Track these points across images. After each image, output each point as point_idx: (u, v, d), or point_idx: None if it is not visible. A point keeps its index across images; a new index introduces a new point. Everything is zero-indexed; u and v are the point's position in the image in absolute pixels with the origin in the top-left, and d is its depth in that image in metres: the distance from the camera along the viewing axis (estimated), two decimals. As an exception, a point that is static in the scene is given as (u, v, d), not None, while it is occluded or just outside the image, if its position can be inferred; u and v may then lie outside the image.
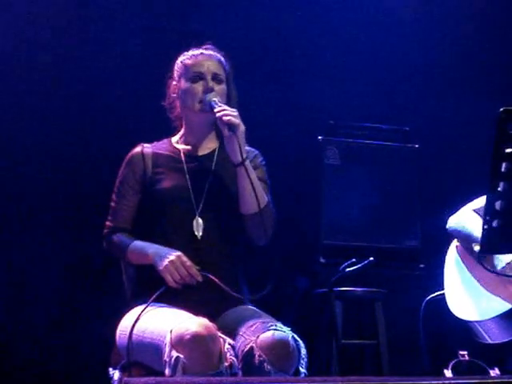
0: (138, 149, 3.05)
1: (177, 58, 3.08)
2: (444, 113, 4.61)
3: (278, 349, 2.58)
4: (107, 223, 3.00)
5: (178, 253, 2.79)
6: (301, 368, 2.65)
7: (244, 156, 2.85)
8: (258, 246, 2.97)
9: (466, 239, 3.05)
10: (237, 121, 2.84)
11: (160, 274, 2.78)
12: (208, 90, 2.95)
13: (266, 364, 2.56)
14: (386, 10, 4.60)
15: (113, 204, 3.01)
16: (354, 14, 4.58)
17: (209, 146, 3.06)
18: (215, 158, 3.03)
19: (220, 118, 2.85)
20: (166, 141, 3.11)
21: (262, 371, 2.56)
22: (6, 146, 4.03)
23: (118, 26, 4.21)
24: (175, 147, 3.06)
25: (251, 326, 2.68)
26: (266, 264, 2.73)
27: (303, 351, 2.68)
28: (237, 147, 2.84)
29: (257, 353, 2.58)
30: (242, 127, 2.86)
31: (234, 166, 2.89)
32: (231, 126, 2.83)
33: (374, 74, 4.56)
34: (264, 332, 2.62)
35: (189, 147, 3.05)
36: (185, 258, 2.78)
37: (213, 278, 2.78)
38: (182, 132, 3.09)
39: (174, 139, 3.10)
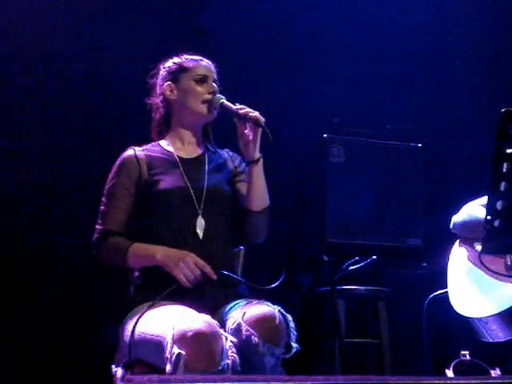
0: (130, 152, 3.05)
1: (172, 58, 3.10)
2: (447, 112, 4.60)
3: (264, 321, 2.61)
4: (98, 227, 2.96)
5: (189, 253, 2.81)
6: (292, 343, 2.67)
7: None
8: (255, 243, 2.99)
9: (474, 229, 3.02)
10: (262, 118, 2.90)
11: (172, 274, 2.79)
12: (215, 92, 3.02)
13: (253, 337, 2.58)
14: (390, 9, 4.60)
15: (104, 207, 2.98)
16: (358, 13, 4.57)
17: (197, 150, 3.10)
18: (206, 159, 3.07)
19: (245, 114, 2.90)
20: (155, 144, 3.12)
21: (250, 345, 2.58)
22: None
23: (118, 26, 4.21)
24: (167, 150, 3.07)
25: (239, 307, 2.73)
26: (269, 260, 2.74)
27: (291, 324, 2.70)
28: (258, 143, 2.91)
29: (244, 328, 2.60)
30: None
31: (248, 164, 2.95)
32: (257, 122, 2.89)
33: (379, 73, 4.56)
34: (250, 308, 2.67)
35: (180, 150, 3.08)
36: (197, 258, 2.80)
37: (229, 273, 2.82)
38: (170, 135, 3.11)
39: (164, 143, 3.12)
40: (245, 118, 2.91)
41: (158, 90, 3.12)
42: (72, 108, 4.09)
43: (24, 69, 4.05)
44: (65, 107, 4.09)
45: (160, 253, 2.84)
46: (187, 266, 2.77)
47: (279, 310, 2.67)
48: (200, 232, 2.90)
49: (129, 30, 4.20)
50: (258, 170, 2.92)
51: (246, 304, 2.75)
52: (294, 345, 2.68)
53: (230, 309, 2.78)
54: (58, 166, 4.03)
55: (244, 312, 2.65)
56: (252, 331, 2.59)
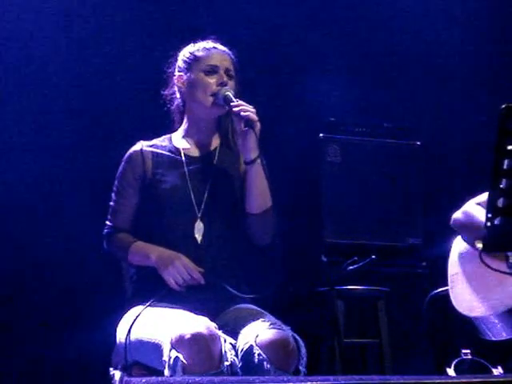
0: (137, 147, 2.99)
1: (179, 51, 3.03)
2: (446, 109, 4.60)
3: (278, 347, 2.57)
4: (107, 223, 2.97)
5: (181, 256, 2.78)
6: (300, 367, 2.64)
7: (258, 153, 2.83)
8: (260, 245, 2.95)
9: (473, 230, 3.01)
10: (255, 117, 2.80)
11: (162, 276, 2.77)
12: (222, 84, 2.89)
13: (265, 363, 2.54)
14: (387, 7, 4.59)
15: (112, 203, 2.97)
16: (355, 11, 4.58)
17: (210, 143, 3.00)
18: (216, 157, 2.98)
19: (238, 112, 2.80)
20: (165, 139, 3.03)
21: (261, 370, 2.54)
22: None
23: (119, 23, 4.20)
24: (175, 147, 2.99)
25: (251, 325, 2.67)
26: (268, 264, 2.72)
27: (303, 350, 2.66)
28: (252, 144, 2.81)
29: (256, 351, 2.56)
30: (259, 124, 2.81)
31: (245, 163, 2.87)
32: (249, 122, 2.78)
33: (376, 71, 4.56)
34: (263, 331, 2.60)
35: (189, 146, 2.99)
36: (187, 262, 2.77)
37: (224, 284, 2.79)
38: (183, 127, 3.03)
39: (175, 136, 3.03)
40: (238, 115, 2.81)
41: (171, 81, 3.04)
42: (72, 108, 4.10)
43: (25, 68, 4.05)
44: (64, 107, 4.09)
45: (154, 253, 2.82)
46: (176, 269, 2.74)
47: (292, 335, 2.64)
48: (199, 237, 2.85)
49: (129, 28, 4.20)
50: (255, 171, 2.83)
51: (257, 322, 2.68)
52: (302, 369, 2.64)
53: (239, 319, 2.73)
54: (59, 163, 4.05)
55: (257, 334, 2.60)
56: (264, 356, 2.54)
